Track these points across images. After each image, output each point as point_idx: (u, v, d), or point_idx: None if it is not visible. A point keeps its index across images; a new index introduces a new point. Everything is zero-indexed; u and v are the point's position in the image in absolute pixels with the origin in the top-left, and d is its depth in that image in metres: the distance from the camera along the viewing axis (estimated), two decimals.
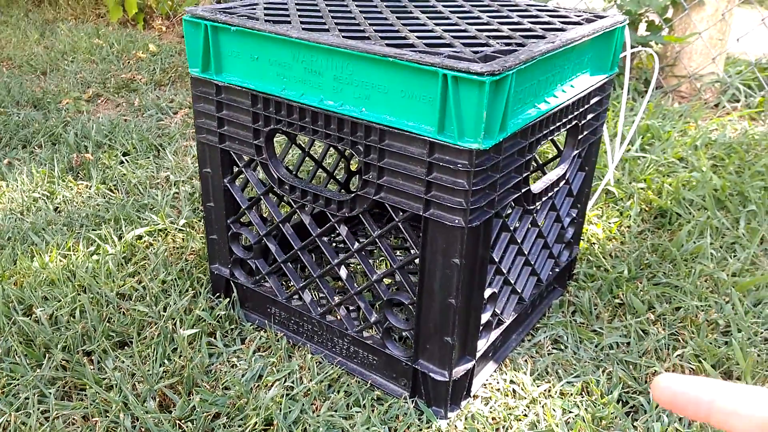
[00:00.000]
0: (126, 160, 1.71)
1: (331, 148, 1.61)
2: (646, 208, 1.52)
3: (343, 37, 0.84)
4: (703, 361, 1.04)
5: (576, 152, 1.05)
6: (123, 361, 1.01)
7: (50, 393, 0.95)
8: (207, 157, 1.03)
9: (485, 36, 0.89)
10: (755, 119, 2.13)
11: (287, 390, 0.97)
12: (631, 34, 2.20)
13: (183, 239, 1.34)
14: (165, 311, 1.11)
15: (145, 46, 2.75)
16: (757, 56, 2.41)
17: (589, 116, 1.04)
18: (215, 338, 1.07)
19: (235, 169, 1.03)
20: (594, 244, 1.38)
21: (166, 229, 1.37)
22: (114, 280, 1.19)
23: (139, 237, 1.34)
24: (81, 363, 1.00)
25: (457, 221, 0.80)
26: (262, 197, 1.02)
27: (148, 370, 0.99)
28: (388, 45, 0.81)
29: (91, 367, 1.00)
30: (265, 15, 0.94)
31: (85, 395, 0.96)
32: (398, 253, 1.35)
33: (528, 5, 1.11)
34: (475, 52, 0.79)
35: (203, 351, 1.03)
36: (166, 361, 1.01)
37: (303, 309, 1.05)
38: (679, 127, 1.94)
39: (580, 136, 1.03)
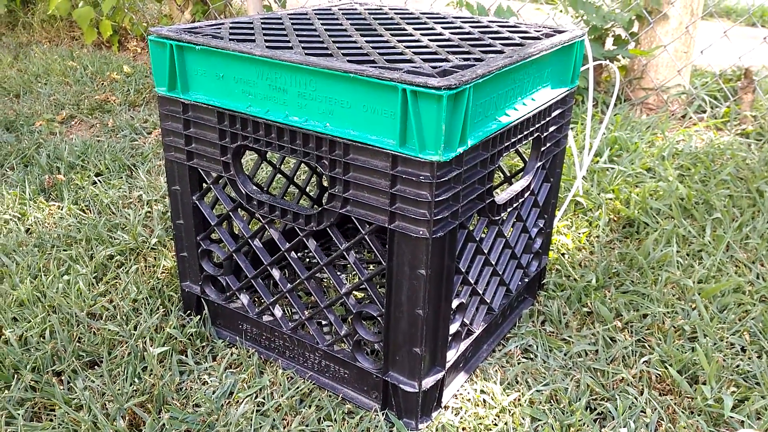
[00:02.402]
0: (99, 180, 1.71)
1: (303, 164, 1.62)
2: (615, 218, 1.55)
3: (306, 54, 0.85)
4: (669, 366, 1.06)
5: (540, 164, 1.07)
6: (93, 381, 1.00)
7: (19, 414, 0.94)
8: (176, 175, 1.04)
9: (445, 51, 0.91)
10: (721, 129, 2.18)
11: (258, 406, 0.97)
12: (598, 49, 2.25)
13: (155, 258, 1.34)
14: (136, 330, 1.11)
15: (120, 68, 2.75)
16: (722, 68, 2.47)
17: (552, 128, 1.07)
18: (186, 356, 1.07)
19: (204, 186, 1.04)
20: (564, 254, 1.40)
21: (137, 248, 1.37)
22: (85, 300, 1.19)
23: (111, 256, 1.34)
24: (50, 383, 1.00)
25: (421, 232, 0.82)
26: (230, 213, 1.02)
27: (118, 389, 0.99)
28: (350, 61, 0.83)
29: (61, 387, 1.00)
30: (230, 34, 0.95)
31: (55, 416, 0.95)
32: (372, 267, 1.36)
33: (490, 21, 1.14)
34: (435, 67, 0.81)
35: (174, 369, 1.03)
36: (136, 379, 1.01)
37: (274, 324, 1.05)
38: (647, 138, 1.98)
39: (543, 148, 1.06)
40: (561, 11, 2.49)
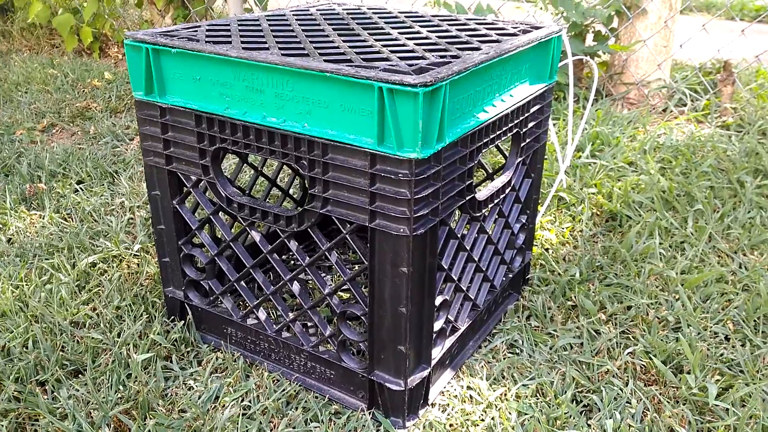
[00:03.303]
0: (80, 188, 1.69)
1: (286, 167, 1.62)
2: (598, 212, 1.55)
3: (283, 54, 0.85)
4: (653, 357, 1.07)
5: (520, 159, 1.08)
6: (77, 389, 1.00)
7: (2, 425, 0.93)
8: (155, 180, 1.03)
9: (422, 49, 0.91)
10: (701, 122, 2.20)
11: (244, 409, 0.97)
12: (578, 45, 2.26)
13: (138, 264, 1.33)
14: (119, 337, 1.10)
15: (101, 74, 2.73)
16: (702, 61, 2.49)
17: (531, 124, 1.07)
18: (171, 362, 1.06)
19: (184, 190, 1.03)
20: (547, 249, 1.41)
21: (120, 255, 1.36)
22: (67, 308, 1.18)
23: (93, 264, 1.33)
24: (34, 393, 0.99)
25: (402, 230, 0.82)
26: (211, 217, 1.02)
27: (103, 397, 0.98)
28: (326, 61, 0.83)
29: (45, 397, 0.99)
30: (207, 36, 0.95)
31: (39, 426, 0.94)
32: (356, 267, 1.35)
33: (468, 19, 1.14)
34: (411, 65, 0.81)
35: (159, 375, 1.02)
36: (120, 387, 1.00)
37: (259, 327, 1.05)
38: (629, 132, 1.99)
39: (523, 144, 1.06)
40: (541, 9, 2.50)
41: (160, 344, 1.08)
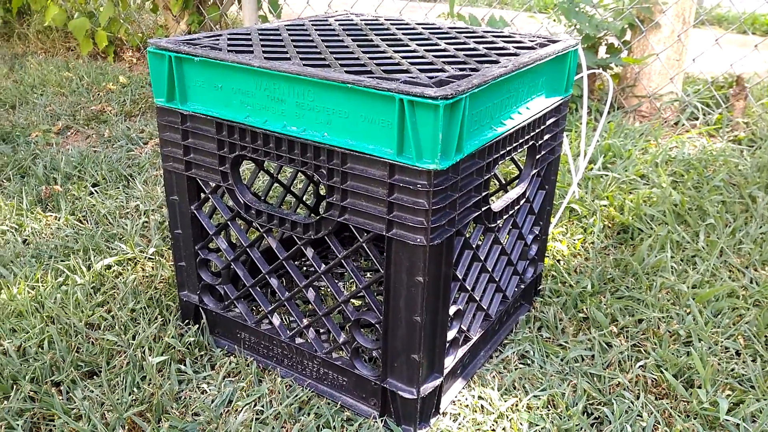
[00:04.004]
0: (95, 190, 1.71)
1: (300, 174, 1.63)
2: (609, 225, 1.56)
3: (304, 65, 0.87)
4: (664, 371, 1.07)
5: (535, 171, 1.08)
6: (92, 391, 1.01)
7: (18, 425, 0.94)
8: (174, 185, 1.04)
9: (441, 62, 0.92)
10: (713, 136, 2.20)
11: (257, 414, 0.98)
12: (591, 57, 2.27)
13: (152, 267, 1.34)
14: (134, 339, 1.12)
15: (116, 78, 2.76)
16: (714, 75, 2.50)
17: (546, 137, 1.08)
18: (185, 365, 1.07)
19: (202, 196, 1.05)
20: (559, 260, 1.41)
21: (135, 258, 1.37)
22: (83, 310, 1.19)
23: (108, 267, 1.34)
24: (49, 393, 1.00)
25: (419, 240, 0.83)
26: (229, 223, 1.03)
27: (117, 399, 0.99)
28: (347, 72, 0.84)
29: (60, 398, 1.00)
30: (228, 45, 0.96)
31: (54, 426, 0.95)
32: (369, 274, 1.36)
33: (485, 32, 1.16)
34: (431, 78, 0.82)
35: (173, 378, 1.03)
36: (135, 389, 1.01)
37: (272, 333, 1.06)
38: (640, 145, 2.00)
39: (538, 156, 1.07)
40: (554, 21, 2.51)
41: (175, 347, 1.09)
